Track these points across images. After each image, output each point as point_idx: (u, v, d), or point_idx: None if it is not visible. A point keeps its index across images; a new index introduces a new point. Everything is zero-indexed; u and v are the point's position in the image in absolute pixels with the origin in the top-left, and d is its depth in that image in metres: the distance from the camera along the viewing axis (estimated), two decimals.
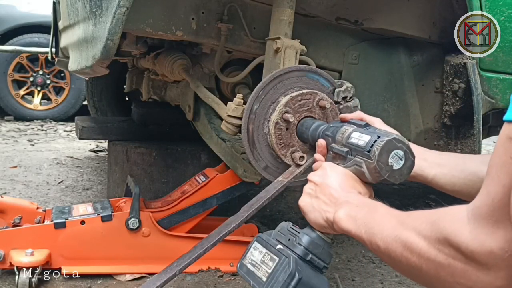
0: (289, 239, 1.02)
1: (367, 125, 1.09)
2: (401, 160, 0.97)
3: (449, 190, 1.09)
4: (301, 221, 2.56)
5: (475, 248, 0.64)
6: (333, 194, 0.98)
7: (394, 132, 1.08)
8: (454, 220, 0.69)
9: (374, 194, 1.06)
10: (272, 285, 0.95)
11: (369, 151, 0.97)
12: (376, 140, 0.97)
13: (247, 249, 1.07)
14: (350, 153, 1.04)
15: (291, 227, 1.05)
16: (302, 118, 1.41)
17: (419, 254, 0.73)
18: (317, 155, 1.19)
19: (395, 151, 0.97)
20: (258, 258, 1.03)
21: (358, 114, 1.25)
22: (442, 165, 1.09)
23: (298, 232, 1.02)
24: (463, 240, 0.65)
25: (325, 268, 1.00)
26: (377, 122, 1.19)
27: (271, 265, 0.98)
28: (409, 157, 0.98)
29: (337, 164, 1.08)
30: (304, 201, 1.04)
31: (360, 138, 1.02)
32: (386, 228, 0.81)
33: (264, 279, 0.98)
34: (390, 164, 0.96)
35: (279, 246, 1.01)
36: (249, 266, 1.04)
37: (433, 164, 1.09)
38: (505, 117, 0.66)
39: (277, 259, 0.98)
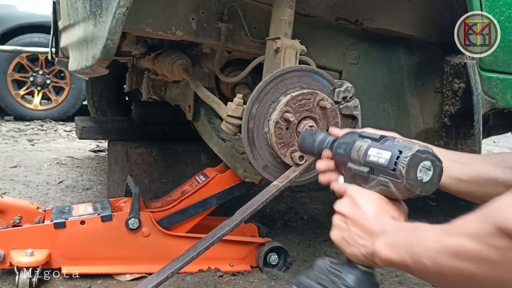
0: (332, 282, 0.93)
1: (382, 136, 0.99)
2: (430, 170, 0.91)
3: (454, 192, 1.06)
4: (301, 221, 2.56)
5: None
6: (367, 226, 0.91)
7: (403, 139, 0.98)
8: (503, 208, 0.64)
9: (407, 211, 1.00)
10: None
11: (394, 169, 0.90)
12: (399, 157, 0.90)
13: None
14: (372, 172, 0.96)
15: (329, 266, 0.96)
16: (301, 119, 1.41)
17: (471, 258, 0.67)
18: (335, 185, 1.08)
19: (422, 164, 0.90)
20: None
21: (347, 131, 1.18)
22: (447, 168, 1.03)
23: (341, 272, 0.93)
24: None
25: None
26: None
27: None
28: (437, 164, 0.92)
29: (359, 184, 1.00)
30: (337, 235, 0.97)
31: (379, 156, 0.94)
32: (429, 244, 0.75)
33: None
34: (419, 178, 0.90)
35: None
36: None
37: None
38: None
39: None
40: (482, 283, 0.68)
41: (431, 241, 0.75)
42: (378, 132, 1.03)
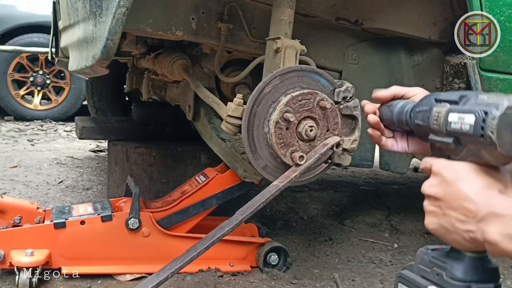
0: (437, 274, 0.82)
1: (462, 96, 0.82)
2: None
3: None
4: (301, 221, 2.56)
5: None
6: (467, 207, 0.76)
7: (489, 95, 0.80)
8: None
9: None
10: None
11: (482, 136, 0.74)
12: (485, 119, 0.74)
13: None
14: (459, 142, 0.81)
15: (432, 257, 0.84)
16: (301, 119, 1.41)
17: None
18: (428, 161, 0.87)
19: None
20: None
21: (393, 89, 1.06)
22: None
23: (445, 262, 0.82)
24: None
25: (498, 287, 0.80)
26: (420, 93, 1.01)
27: None
28: None
29: (448, 157, 0.84)
30: (432, 223, 0.82)
31: (462, 121, 0.78)
32: None
33: None
34: None
35: (431, 286, 0.82)
36: None
37: None
38: None
39: None
40: None
41: None
42: (458, 92, 0.86)
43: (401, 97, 1.04)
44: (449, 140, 0.82)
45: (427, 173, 0.86)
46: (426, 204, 0.84)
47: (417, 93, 1.00)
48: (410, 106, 0.99)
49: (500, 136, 0.72)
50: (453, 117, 0.80)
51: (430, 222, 0.83)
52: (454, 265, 0.80)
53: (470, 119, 0.76)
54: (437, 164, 0.83)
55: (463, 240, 0.77)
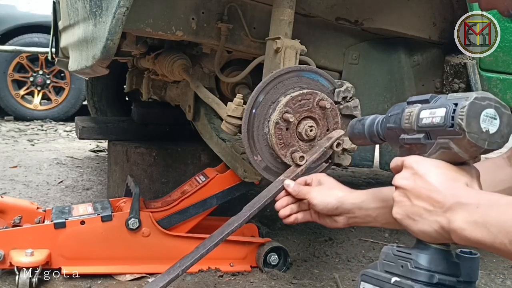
0: (402, 266, 0.82)
1: (433, 96, 0.86)
2: (495, 119, 0.76)
3: None
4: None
5: None
6: (434, 197, 0.79)
7: (462, 93, 0.83)
8: None
9: None
10: None
11: (452, 126, 0.77)
12: (455, 109, 0.77)
13: None
14: (429, 137, 0.83)
15: (397, 251, 0.85)
16: (301, 119, 1.41)
17: None
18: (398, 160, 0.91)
19: (484, 112, 0.76)
20: None
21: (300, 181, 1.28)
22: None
23: (409, 254, 0.82)
24: None
25: (459, 284, 0.81)
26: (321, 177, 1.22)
27: None
28: (504, 112, 0.77)
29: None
30: (399, 213, 0.84)
31: (433, 115, 0.81)
32: None
33: None
34: (484, 129, 0.76)
35: (395, 278, 0.82)
36: None
37: None
38: None
39: None
40: None
41: None
42: (428, 94, 0.90)
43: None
44: (420, 136, 0.84)
45: (397, 171, 0.89)
46: (396, 194, 0.86)
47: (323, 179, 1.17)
48: (381, 117, 1.02)
49: (469, 124, 0.75)
50: (424, 114, 0.83)
51: (397, 211, 0.85)
52: (419, 255, 0.81)
53: (441, 112, 0.79)
54: (409, 159, 0.86)
55: (429, 229, 0.79)
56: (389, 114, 0.96)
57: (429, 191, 0.80)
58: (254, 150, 1.45)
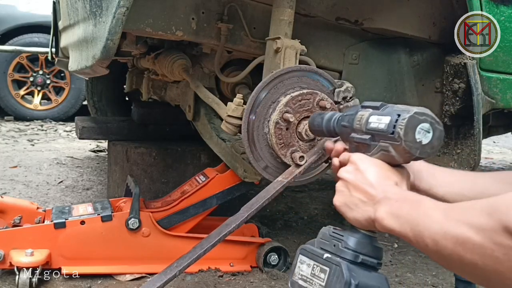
0: (334, 245, 0.96)
1: (382, 104, 1.00)
2: (429, 132, 0.90)
3: None
4: (301, 221, 2.56)
5: None
6: (369, 191, 0.92)
7: (405, 106, 0.99)
8: None
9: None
10: None
11: (392, 133, 0.91)
12: (397, 119, 0.91)
13: (293, 264, 1.01)
14: (373, 139, 0.97)
15: (333, 232, 0.98)
16: (301, 119, 1.41)
17: (473, 250, 0.68)
18: (335, 160, 1.11)
19: (420, 126, 0.90)
20: (308, 271, 0.97)
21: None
22: (451, 183, 1.06)
23: (342, 235, 0.96)
24: None
25: (379, 265, 0.95)
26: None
27: (323, 277, 0.93)
28: (436, 127, 0.91)
29: (363, 153, 1.01)
30: (339, 201, 0.98)
31: (379, 121, 0.95)
32: (433, 224, 0.76)
33: None
34: (418, 140, 0.89)
35: (326, 254, 0.95)
36: (301, 282, 0.97)
37: (443, 182, 1.06)
38: None
39: (327, 269, 0.93)
40: (482, 273, 0.69)
41: (434, 222, 0.76)
42: (379, 102, 1.04)
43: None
44: (367, 137, 0.99)
45: (343, 164, 1.03)
46: (339, 185, 0.99)
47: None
48: (337, 115, 1.17)
49: (406, 133, 0.89)
50: (373, 119, 0.98)
51: (337, 199, 0.98)
52: (349, 237, 0.95)
53: (386, 119, 0.94)
54: (354, 156, 1.00)
55: (361, 217, 0.93)
56: (345, 114, 1.11)
57: (365, 185, 0.93)
58: (254, 150, 1.45)
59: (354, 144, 1.04)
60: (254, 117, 1.43)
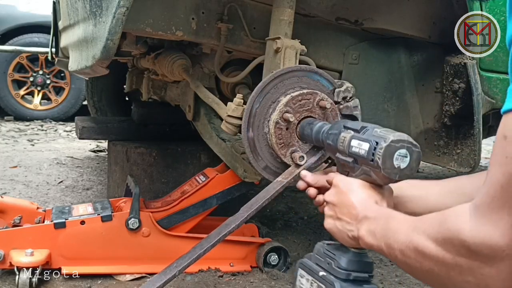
0: (328, 263, 1.04)
1: (362, 127, 1.07)
2: (406, 157, 0.97)
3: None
4: (301, 221, 2.56)
5: (478, 244, 0.66)
6: (352, 212, 0.99)
7: (382, 129, 1.06)
8: (458, 218, 0.70)
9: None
10: None
11: (372, 160, 0.98)
12: (375, 148, 0.97)
13: (295, 276, 1.11)
14: (356, 162, 1.04)
15: (326, 249, 1.06)
16: (302, 119, 1.41)
17: (430, 257, 0.74)
18: (311, 191, 1.22)
19: (397, 153, 0.96)
20: (307, 286, 1.06)
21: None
22: (406, 203, 1.11)
23: (334, 255, 1.04)
24: (466, 237, 0.67)
25: (370, 277, 1.02)
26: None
27: None
28: (413, 150, 0.97)
29: (347, 173, 1.08)
30: (329, 224, 1.05)
31: (360, 147, 1.02)
32: (400, 236, 0.82)
33: None
34: (396, 166, 0.96)
35: (322, 272, 1.03)
36: None
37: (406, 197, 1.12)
38: (502, 109, 0.68)
39: (323, 286, 1.01)
40: (439, 278, 0.74)
41: (402, 234, 0.82)
42: (360, 123, 1.12)
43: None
44: (350, 159, 1.06)
45: (329, 184, 1.10)
46: (326, 209, 1.06)
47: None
48: (326, 127, 1.24)
49: (384, 162, 0.96)
50: (354, 143, 1.04)
51: (327, 223, 1.05)
52: (341, 257, 1.02)
53: (366, 146, 1.00)
54: (336, 178, 1.07)
55: (347, 237, 1.00)
56: (330, 132, 1.18)
57: (348, 207, 1.00)
58: (254, 150, 1.45)
59: (340, 163, 1.12)
60: (254, 117, 1.43)
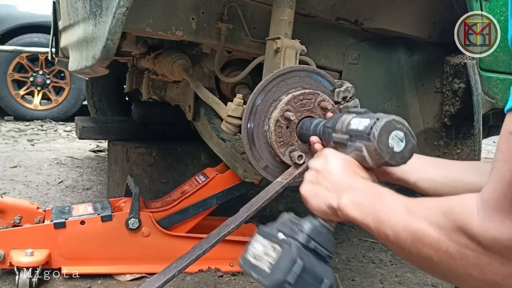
0: (291, 228, 0.98)
1: (367, 111, 1.05)
2: (402, 142, 0.94)
3: (432, 194, 1.07)
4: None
5: (489, 240, 0.64)
6: (336, 180, 0.95)
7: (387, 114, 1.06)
8: (466, 210, 0.68)
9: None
10: (276, 274, 0.91)
11: (368, 134, 0.94)
12: (375, 122, 0.94)
13: (249, 242, 1.04)
14: (351, 140, 1.01)
15: (293, 217, 1.01)
16: (302, 118, 1.41)
17: (430, 245, 0.72)
18: (317, 145, 1.17)
19: (394, 132, 0.93)
20: (260, 250, 0.99)
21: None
22: (424, 170, 1.09)
23: (300, 221, 0.99)
24: (476, 231, 0.66)
25: (329, 258, 0.96)
26: None
27: (274, 256, 0.94)
28: (410, 139, 0.94)
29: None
30: (306, 188, 1.01)
31: (359, 123, 0.99)
32: (394, 216, 0.79)
33: (268, 270, 0.93)
34: (390, 145, 0.93)
35: (282, 236, 0.97)
36: (252, 260, 0.99)
37: (416, 168, 1.08)
38: (506, 108, 0.66)
39: (280, 249, 0.94)
40: (437, 266, 0.72)
41: (396, 215, 0.78)
42: (364, 108, 1.10)
43: None
44: (345, 136, 1.03)
45: (317, 157, 1.07)
46: (307, 174, 1.03)
47: None
48: (324, 122, 1.24)
49: (380, 135, 0.93)
50: (354, 121, 1.02)
51: (304, 187, 1.02)
52: (307, 222, 0.98)
53: (366, 122, 0.97)
54: (327, 149, 1.07)
55: (323, 204, 0.95)
56: (331, 117, 1.18)
57: (332, 174, 0.97)
58: (254, 149, 1.45)
59: (332, 143, 1.09)
60: (254, 115, 1.43)
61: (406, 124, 0.95)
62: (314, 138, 1.20)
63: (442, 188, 1.06)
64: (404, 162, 0.96)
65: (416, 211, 0.76)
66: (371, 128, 0.94)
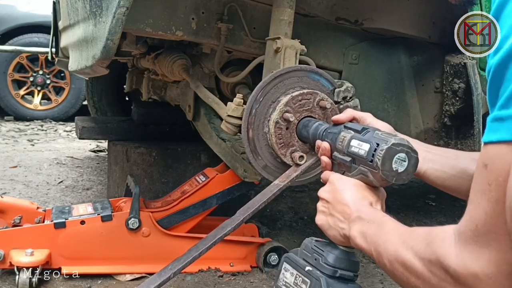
0: (315, 259, 1.04)
1: (364, 129, 1.07)
2: (404, 161, 0.98)
3: (439, 185, 1.10)
4: (301, 221, 2.56)
5: (462, 272, 0.67)
6: (346, 211, 0.99)
7: (389, 131, 1.09)
8: (444, 243, 0.71)
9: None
10: None
11: (371, 161, 0.98)
12: (376, 149, 0.98)
13: (279, 270, 1.10)
14: (354, 162, 1.05)
15: (314, 245, 1.06)
16: (302, 118, 1.41)
17: (416, 275, 0.75)
18: (324, 158, 1.16)
19: (396, 156, 0.97)
20: (291, 280, 1.06)
21: (350, 113, 1.21)
22: (433, 160, 1.10)
23: (323, 251, 1.04)
24: (451, 263, 0.68)
25: (355, 277, 1.02)
26: (368, 118, 1.18)
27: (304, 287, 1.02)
28: (412, 156, 0.99)
29: (343, 172, 1.08)
30: (321, 220, 1.05)
31: (360, 147, 1.03)
32: (389, 246, 0.83)
33: None
34: (394, 169, 0.97)
35: (308, 267, 1.03)
36: None
37: (425, 159, 1.10)
38: (483, 140, 0.67)
39: (308, 281, 1.01)
40: None
41: (391, 245, 0.83)
42: (374, 122, 1.14)
43: (357, 120, 1.19)
44: (348, 158, 1.06)
45: (324, 182, 1.10)
46: (319, 205, 1.06)
47: (370, 121, 1.17)
48: (323, 127, 1.25)
49: (384, 164, 0.97)
50: (354, 143, 1.05)
51: (319, 218, 1.05)
52: (329, 253, 1.02)
53: (366, 147, 1.01)
54: (333, 176, 1.08)
55: (338, 235, 1.00)
56: (329, 131, 1.19)
57: (342, 205, 1.00)
58: (254, 150, 1.45)
59: (336, 161, 1.12)
60: (254, 116, 1.43)
61: (405, 142, 0.99)
62: (325, 145, 1.18)
63: (449, 180, 1.08)
64: (410, 178, 1.00)
65: (407, 241, 0.80)
66: (373, 155, 0.98)
